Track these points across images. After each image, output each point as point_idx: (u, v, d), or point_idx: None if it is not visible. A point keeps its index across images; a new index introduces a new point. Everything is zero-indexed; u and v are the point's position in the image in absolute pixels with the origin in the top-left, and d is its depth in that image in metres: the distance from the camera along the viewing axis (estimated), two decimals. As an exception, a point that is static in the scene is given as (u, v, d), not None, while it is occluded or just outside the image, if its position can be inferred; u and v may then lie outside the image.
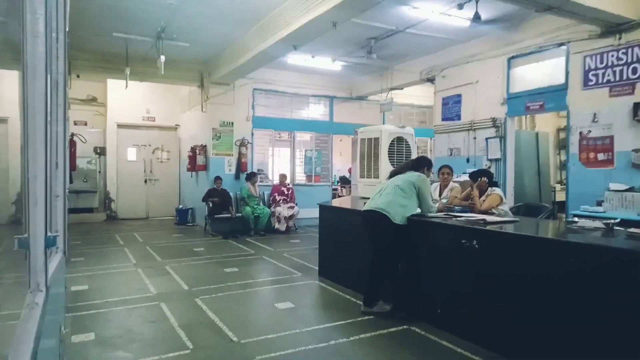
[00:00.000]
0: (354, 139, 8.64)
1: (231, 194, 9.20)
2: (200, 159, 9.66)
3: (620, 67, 5.63)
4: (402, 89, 9.90)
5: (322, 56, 8.63)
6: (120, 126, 11.10)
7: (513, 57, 7.01)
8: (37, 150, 1.35)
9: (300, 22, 5.86)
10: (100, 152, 10.92)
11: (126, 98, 10.58)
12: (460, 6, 5.94)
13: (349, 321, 3.95)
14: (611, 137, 5.68)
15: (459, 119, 7.93)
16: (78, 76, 8.82)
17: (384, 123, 10.30)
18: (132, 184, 11.21)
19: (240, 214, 8.91)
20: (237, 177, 9.54)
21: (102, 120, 11.07)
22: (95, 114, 11.09)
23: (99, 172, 10.87)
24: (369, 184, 6.92)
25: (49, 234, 1.41)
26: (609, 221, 3.27)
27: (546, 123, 8.84)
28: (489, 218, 3.79)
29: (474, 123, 7.59)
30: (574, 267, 2.78)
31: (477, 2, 5.77)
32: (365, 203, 4.36)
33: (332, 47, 8.08)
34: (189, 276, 5.52)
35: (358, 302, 4.29)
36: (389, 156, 6.98)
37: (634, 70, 5.49)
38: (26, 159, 1.34)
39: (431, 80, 8.62)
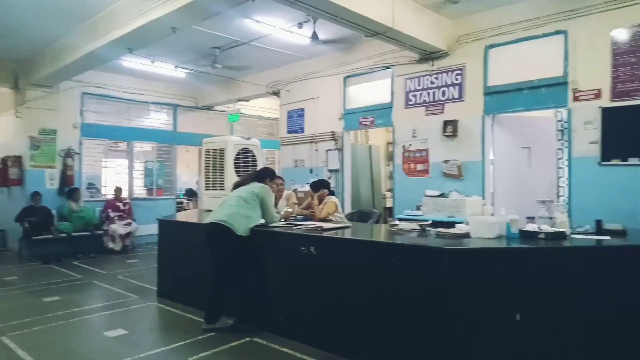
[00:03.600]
0: (200, 150, 8.36)
1: (54, 212, 8.03)
2: (13, 172, 8.21)
3: (433, 90, 6.54)
4: (248, 100, 9.95)
5: (163, 62, 8.17)
6: None
7: (348, 76, 7.61)
8: None
9: (136, 24, 5.44)
10: None
11: None
12: (300, 25, 6.24)
13: (188, 341, 3.73)
14: (427, 150, 6.55)
15: (303, 131, 8.30)
16: None
17: (231, 134, 10.18)
18: None
19: (64, 234, 7.80)
20: (61, 192, 8.35)
21: None
22: None
23: None
24: (214, 195, 6.73)
25: None
26: (423, 223, 3.73)
27: (378, 137, 9.80)
28: (325, 225, 4.00)
29: (315, 136, 8.01)
30: (396, 265, 3.09)
31: (314, 23, 6.12)
32: (208, 216, 4.22)
33: (175, 53, 7.72)
34: (-6, 311, 4.60)
35: (200, 320, 4.08)
36: (235, 167, 6.90)
37: (443, 93, 6.43)
38: None
39: (277, 93, 8.85)
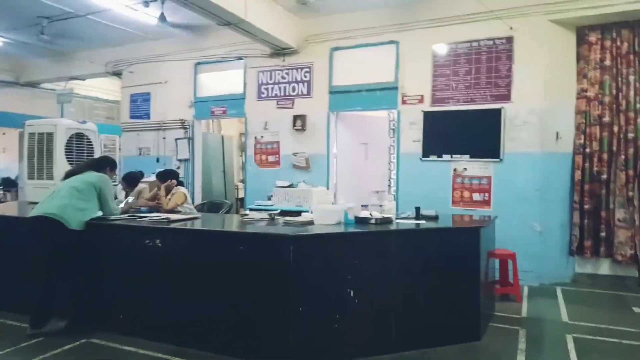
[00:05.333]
0: (22, 133, 7.20)
1: None
2: None
3: (284, 85, 6.79)
4: (84, 79, 8.94)
5: (-29, 26, 6.84)
6: None
7: (200, 63, 7.41)
8: None
9: None
10: None
11: None
12: (146, 3, 5.84)
13: (9, 350, 3.27)
14: (278, 142, 6.79)
15: (149, 117, 7.81)
16: None
17: (62, 116, 9.01)
18: None
19: None
20: None
21: None
22: None
23: None
24: (41, 185, 5.96)
25: None
26: (272, 212, 3.91)
27: (231, 127, 9.76)
28: (172, 216, 3.89)
29: (163, 123, 7.62)
30: (245, 253, 3.20)
31: (162, 3, 5.80)
32: (34, 208, 3.73)
33: (-12, 17, 6.52)
34: None
35: (25, 325, 3.61)
36: (66, 154, 6.21)
37: (293, 89, 6.72)
38: None
39: (118, 74, 8.14)
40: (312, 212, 3.76)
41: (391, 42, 6.09)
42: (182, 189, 4.88)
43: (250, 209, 5.39)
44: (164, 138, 7.61)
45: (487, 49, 5.61)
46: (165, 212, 4.32)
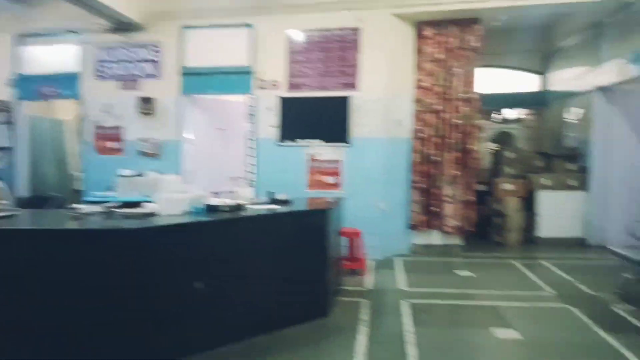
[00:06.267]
0: None
1: None
2: None
3: (129, 64, 6.18)
4: None
5: None
6: None
7: (24, 36, 6.33)
8: None
9: None
10: None
11: None
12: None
13: None
14: (122, 127, 6.18)
15: (-46, 97, 6.45)
16: None
17: None
18: None
19: None
20: None
21: None
22: None
23: None
24: None
25: None
26: (109, 205, 3.52)
27: (68, 110, 8.58)
28: (-25, 215, 3.24)
29: (-25, 104, 6.37)
30: (70, 253, 2.80)
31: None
32: None
33: None
34: None
35: None
36: None
37: (139, 69, 6.16)
38: None
39: None
40: (156, 203, 3.47)
41: (246, 25, 5.94)
42: (-5, 182, 4.11)
43: (85, 202, 4.80)
44: (-23, 122, 6.37)
45: (338, 38, 5.82)
46: (-29, 210, 3.58)
